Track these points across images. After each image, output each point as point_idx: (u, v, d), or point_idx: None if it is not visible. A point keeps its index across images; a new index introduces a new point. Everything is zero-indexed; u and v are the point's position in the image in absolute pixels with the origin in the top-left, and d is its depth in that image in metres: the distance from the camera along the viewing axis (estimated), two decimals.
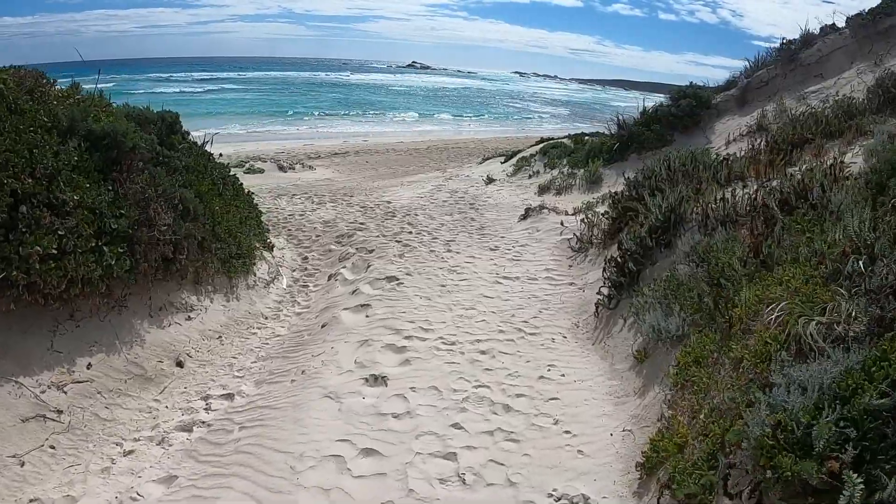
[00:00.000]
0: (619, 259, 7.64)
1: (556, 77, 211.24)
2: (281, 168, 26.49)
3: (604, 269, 7.92)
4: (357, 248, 11.60)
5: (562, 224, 11.66)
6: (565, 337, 7.29)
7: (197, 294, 8.22)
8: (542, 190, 16.97)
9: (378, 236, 12.31)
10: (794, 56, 16.02)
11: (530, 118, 69.43)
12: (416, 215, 14.25)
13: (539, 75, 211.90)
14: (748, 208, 6.53)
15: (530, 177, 19.13)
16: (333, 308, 8.73)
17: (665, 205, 7.53)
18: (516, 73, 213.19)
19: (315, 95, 74.77)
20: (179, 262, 7.71)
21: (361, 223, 13.61)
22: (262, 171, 25.65)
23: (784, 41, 16.61)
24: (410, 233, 12.49)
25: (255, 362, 7.38)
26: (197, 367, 7.11)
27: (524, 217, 13.14)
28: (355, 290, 9.24)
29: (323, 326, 8.09)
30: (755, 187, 7.23)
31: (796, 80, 15.50)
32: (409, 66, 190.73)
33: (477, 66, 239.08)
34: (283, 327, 8.63)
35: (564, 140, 24.05)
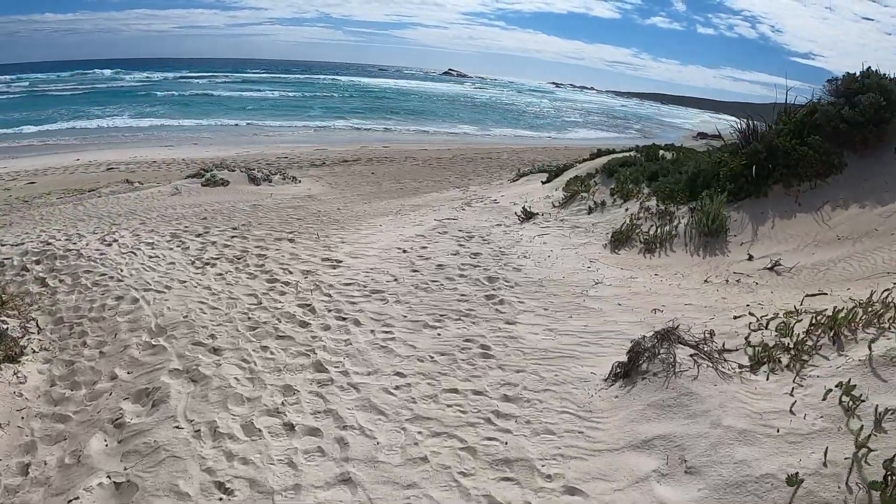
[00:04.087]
0: None
1: (592, 88, 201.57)
2: (252, 180, 18.97)
3: None
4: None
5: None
6: None
7: None
8: (618, 242, 8.99)
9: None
10: None
11: (568, 128, 60.72)
12: (349, 330, 6.02)
13: (576, 86, 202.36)
14: None
15: (590, 211, 11.18)
16: None
17: None
18: (553, 83, 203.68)
19: (344, 99, 67.46)
20: None
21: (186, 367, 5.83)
22: (225, 182, 18.23)
23: None
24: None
25: None
26: None
27: (629, 371, 4.55)
28: None
29: None
30: None
31: None
32: (444, 73, 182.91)
33: (513, 76, 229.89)
34: None
35: (630, 153, 15.97)
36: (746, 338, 4.73)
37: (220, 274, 7.71)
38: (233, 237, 9.96)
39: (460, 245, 9.29)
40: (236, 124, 40.53)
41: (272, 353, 5.29)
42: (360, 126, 44.21)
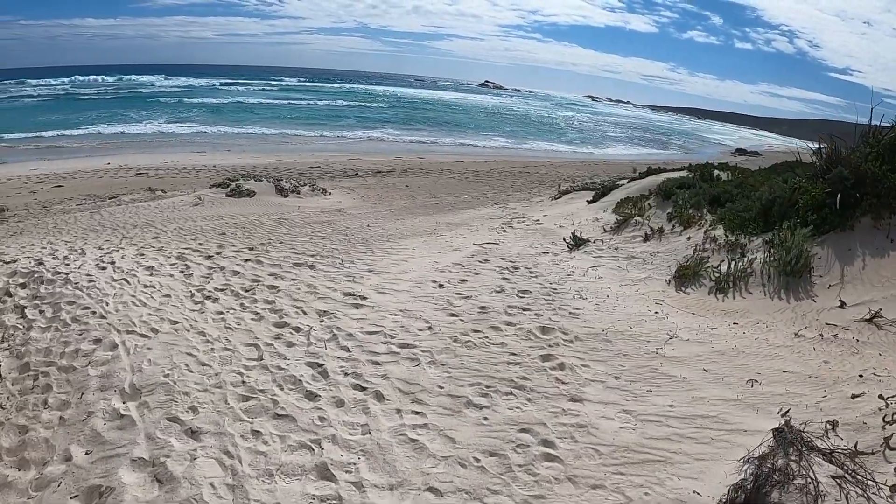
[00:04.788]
0: None
1: (628, 103, 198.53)
2: (280, 191, 17.82)
3: None
4: None
5: None
6: None
7: None
8: (684, 278, 7.44)
9: None
10: None
11: (606, 143, 58.66)
12: (368, 409, 4.64)
13: (612, 100, 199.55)
14: None
15: (647, 238, 9.69)
16: None
17: None
18: (589, 96, 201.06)
19: (380, 109, 66.29)
20: None
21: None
22: (251, 193, 17.13)
23: None
24: None
25: None
26: None
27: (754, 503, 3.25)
28: None
29: None
30: None
31: None
32: (481, 85, 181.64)
33: (549, 88, 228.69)
34: None
35: (683, 172, 14.43)
36: (887, 440, 3.31)
37: (221, 312, 6.40)
38: (246, 260, 8.69)
39: (505, 279, 7.90)
40: (271, 132, 39.63)
41: (265, 442, 3.93)
42: (395, 136, 42.98)
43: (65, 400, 4.92)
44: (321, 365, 5.08)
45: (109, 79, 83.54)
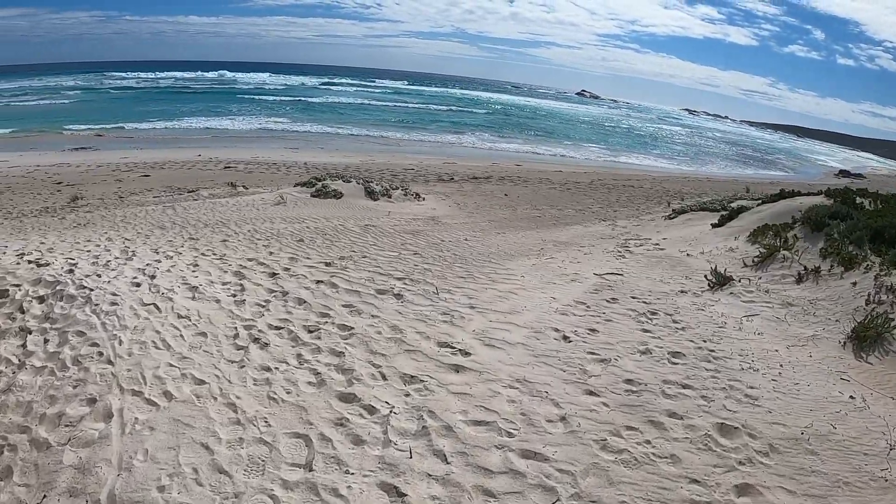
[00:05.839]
0: None
1: (726, 117, 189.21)
2: (370, 194, 16.13)
3: None
4: None
5: None
6: None
7: None
8: (861, 339, 5.08)
9: None
10: None
11: (708, 158, 54.47)
12: None
13: (709, 114, 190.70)
14: None
15: (800, 279, 7.19)
16: None
17: None
18: (686, 109, 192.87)
19: (475, 114, 64.44)
20: None
21: None
22: (338, 194, 15.51)
23: None
24: None
25: None
26: None
27: None
28: None
29: None
30: None
31: None
32: (577, 94, 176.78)
33: (645, 100, 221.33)
34: None
35: (818, 197, 11.71)
36: None
37: (268, 368, 4.47)
38: (318, 282, 6.81)
39: (645, 330, 5.70)
40: (365, 133, 38.62)
41: None
42: (491, 142, 41.09)
43: (21, 501, 3.17)
44: (402, 495, 3.09)
45: (210, 74, 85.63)
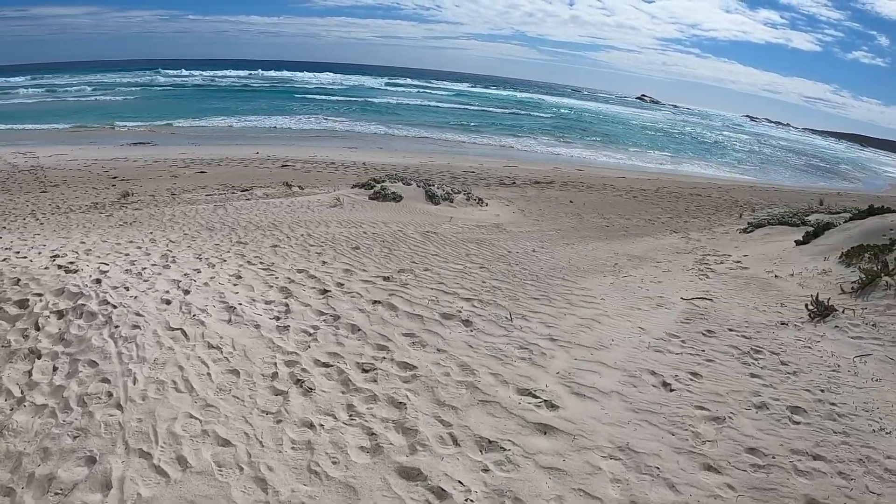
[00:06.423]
0: None
1: (788, 125, 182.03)
2: (431, 198, 15.24)
3: None
4: None
5: None
6: None
7: None
8: None
9: None
10: None
11: (774, 167, 51.64)
12: None
13: (771, 121, 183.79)
14: None
15: None
16: None
17: None
18: (747, 116, 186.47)
19: (536, 117, 62.97)
20: None
21: None
22: (397, 197, 14.67)
23: None
24: None
25: None
26: None
27: None
28: None
29: None
30: None
31: None
32: (637, 98, 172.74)
33: (706, 105, 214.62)
34: None
35: None
36: None
37: (310, 426, 3.45)
38: (376, 303, 5.87)
39: (753, 374, 4.54)
40: (425, 134, 37.85)
41: None
42: (553, 146, 39.79)
43: None
44: None
45: (270, 73, 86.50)
